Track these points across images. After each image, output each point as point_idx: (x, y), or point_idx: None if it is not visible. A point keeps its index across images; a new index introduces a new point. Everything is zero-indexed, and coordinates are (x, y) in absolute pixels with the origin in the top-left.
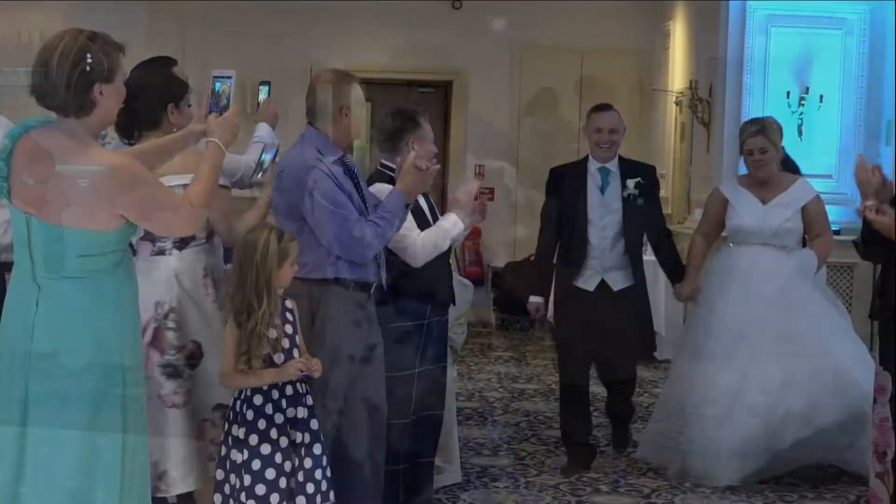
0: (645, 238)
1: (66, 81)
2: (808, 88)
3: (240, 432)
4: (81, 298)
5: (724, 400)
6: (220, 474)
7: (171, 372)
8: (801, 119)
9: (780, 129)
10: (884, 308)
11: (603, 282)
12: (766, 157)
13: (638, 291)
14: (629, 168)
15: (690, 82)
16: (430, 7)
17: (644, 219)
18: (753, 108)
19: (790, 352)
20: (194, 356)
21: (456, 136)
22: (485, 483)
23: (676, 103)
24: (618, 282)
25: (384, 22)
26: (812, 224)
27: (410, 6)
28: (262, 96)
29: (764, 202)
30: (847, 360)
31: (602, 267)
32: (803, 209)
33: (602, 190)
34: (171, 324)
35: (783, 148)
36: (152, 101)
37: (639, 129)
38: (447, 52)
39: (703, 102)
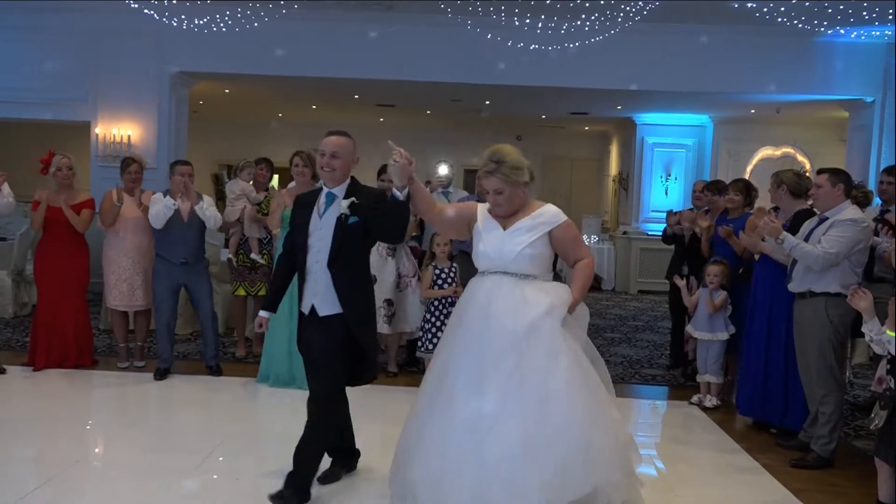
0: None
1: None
2: (670, 173)
3: (426, 316)
4: None
5: (457, 460)
6: (423, 328)
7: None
8: (667, 187)
9: (517, 166)
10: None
11: (314, 306)
12: (500, 199)
13: (348, 321)
14: (352, 191)
15: (619, 171)
16: (507, 140)
17: (364, 234)
18: (645, 183)
19: (532, 406)
20: (391, 304)
21: None
22: None
23: (614, 181)
24: (325, 307)
25: (483, 145)
26: (565, 251)
27: (496, 139)
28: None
29: (504, 228)
30: (595, 422)
31: (312, 291)
32: (551, 236)
33: (321, 214)
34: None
35: (530, 173)
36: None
37: (597, 193)
38: None
39: (625, 180)
